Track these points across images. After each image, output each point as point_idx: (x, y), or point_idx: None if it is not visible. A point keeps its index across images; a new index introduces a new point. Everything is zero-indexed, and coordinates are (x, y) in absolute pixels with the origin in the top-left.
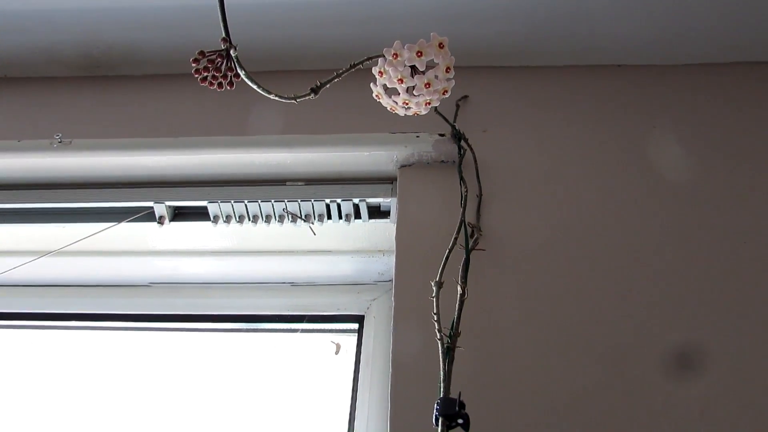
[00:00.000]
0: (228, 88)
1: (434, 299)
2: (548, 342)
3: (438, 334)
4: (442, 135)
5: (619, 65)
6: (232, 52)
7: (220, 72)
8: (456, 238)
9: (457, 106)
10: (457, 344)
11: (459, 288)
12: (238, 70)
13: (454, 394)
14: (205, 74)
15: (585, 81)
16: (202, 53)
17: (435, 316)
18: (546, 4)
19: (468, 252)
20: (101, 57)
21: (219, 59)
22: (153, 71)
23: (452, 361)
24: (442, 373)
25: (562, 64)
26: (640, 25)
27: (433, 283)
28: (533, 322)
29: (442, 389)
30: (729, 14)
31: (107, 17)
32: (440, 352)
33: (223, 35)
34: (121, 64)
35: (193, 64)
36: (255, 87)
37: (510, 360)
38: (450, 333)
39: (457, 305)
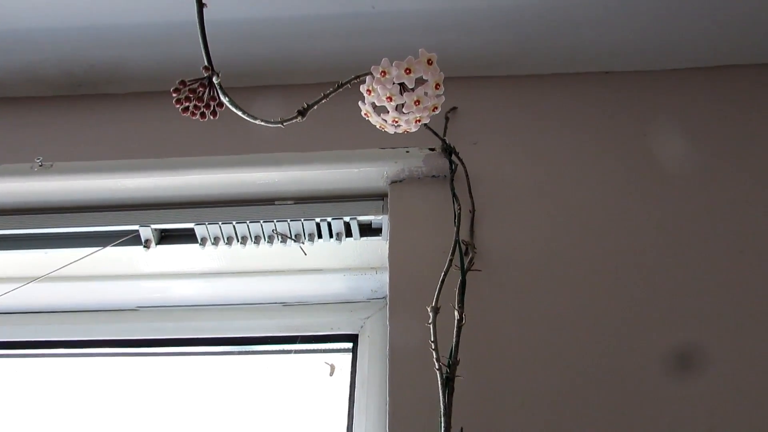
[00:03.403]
0: (211, 117)
1: (431, 326)
2: (553, 366)
3: (437, 364)
4: (432, 149)
5: (606, 72)
6: (214, 79)
7: (203, 102)
8: (451, 260)
9: (447, 118)
10: (457, 373)
11: (456, 313)
12: (222, 98)
13: (455, 428)
14: (187, 104)
15: (573, 89)
16: (183, 83)
17: (432, 344)
18: (532, 12)
19: (464, 274)
20: (83, 76)
21: (201, 88)
22: (137, 89)
23: (452, 393)
24: (442, 406)
25: (550, 72)
26: (626, 32)
27: (429, 309)
28: (535, 346)
29: (442, 424)
30: (714, 19)
31: (89, 35)
32: (439, 383)
33: (205, 63)
34: (104, 82)
35: (174, 95)
36: (240, 113)
37: (513, 387)
38: (449, 362)
39: (455, 332)
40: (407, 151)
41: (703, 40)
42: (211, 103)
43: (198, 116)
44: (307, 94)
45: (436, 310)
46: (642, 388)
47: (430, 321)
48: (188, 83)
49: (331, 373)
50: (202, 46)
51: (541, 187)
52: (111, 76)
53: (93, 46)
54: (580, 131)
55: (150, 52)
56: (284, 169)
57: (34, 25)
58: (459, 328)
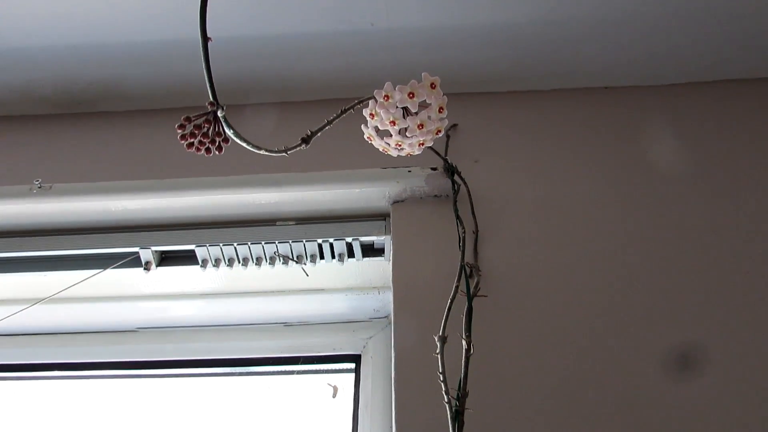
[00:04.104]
0: (217, 153)
1: (439, 356)
2: (565, 396)
3: (446, 397)
4: (434, 169)
5: (606, 87)
6: (219, 113)
7: (208, 137)
8: (457, 286)
9: (448, 136)
10: (466, 405)
11: (464, 343)
12: (227, 132)
13: None
14: (192, 140)
15: (573, 104)
16: (188, 119)
17: (441, 376)
18: (531, 29)
19: (470, 300)
20: (81, 94)
21: (206, 124)
22: (135, 107)
23: (462, 426)
24: None
25: (549, 88)
26: (625, 47)
27: (436, 339)
28: (545, 373)
29: None
30: (713, 34)
31: (87, 53)
32: (449, 416)
33: (210, 98)
34: (102, 100)
35: (179, 131)
36: (245, 145)
37: (523, 418)
38: (458, 394)
39: (463, 362)
40: (409, 171)
41: (703, 55)
42: (217, 139)
43: (203, 151)
44: (307, 111)
45: (443, 340)
46: (656, 415)
47: (437, 351)
48: (193, 119)
49: (334, 395)
50: (207, 80)
51: (543, 206)
52: (109, 94)
53: (91, 64)
54: (581, 146)
55: (148, 70)
56: (285, 189)
57: (31, 43)
58: (467, 358)
